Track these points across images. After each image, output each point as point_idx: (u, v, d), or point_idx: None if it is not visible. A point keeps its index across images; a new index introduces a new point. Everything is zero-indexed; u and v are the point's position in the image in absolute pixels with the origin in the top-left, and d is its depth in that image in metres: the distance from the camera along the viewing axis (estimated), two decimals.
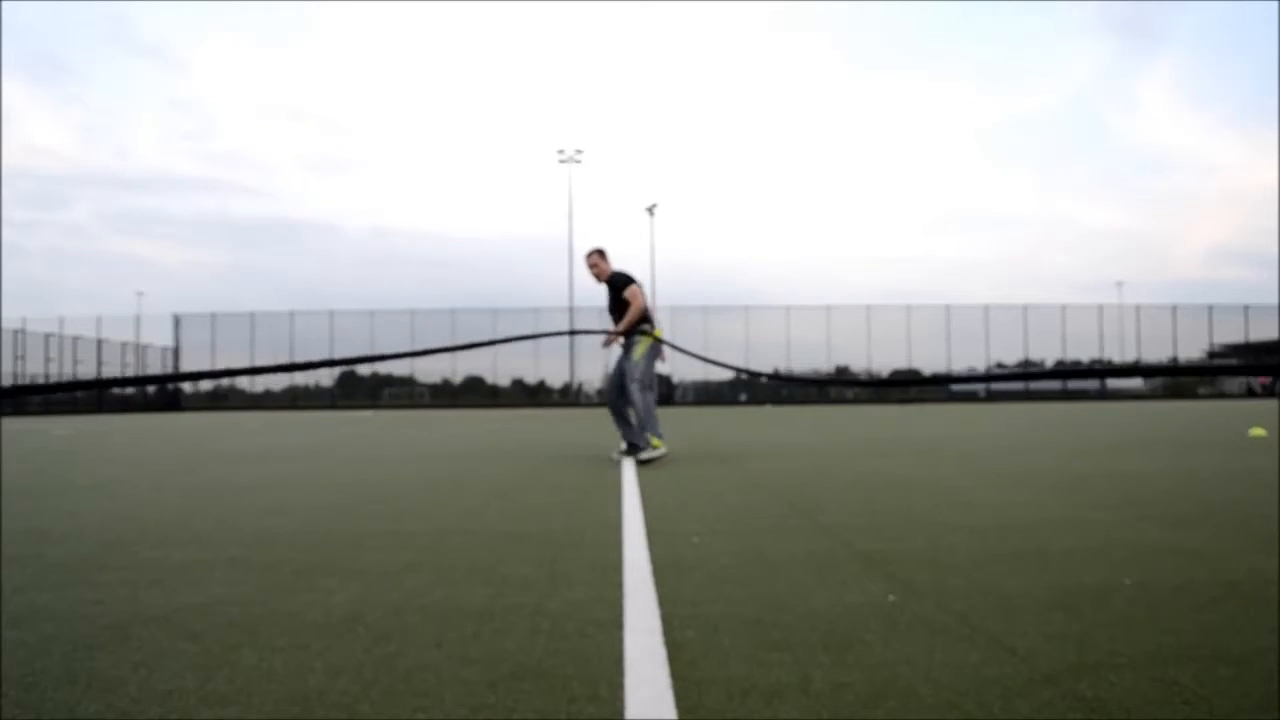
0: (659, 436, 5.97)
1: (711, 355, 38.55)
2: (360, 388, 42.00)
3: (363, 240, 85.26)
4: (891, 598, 2.07)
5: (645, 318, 6.20)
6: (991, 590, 2.14)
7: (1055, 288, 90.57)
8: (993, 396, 38.74)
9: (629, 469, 5.48)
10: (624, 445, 6.26)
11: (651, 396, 6.14)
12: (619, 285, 6.18)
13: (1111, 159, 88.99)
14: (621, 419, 6.24)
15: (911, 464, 5.84)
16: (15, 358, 33.40)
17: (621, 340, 6.28)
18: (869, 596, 2.09)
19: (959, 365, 41.30)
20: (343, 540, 3.01)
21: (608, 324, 6.52)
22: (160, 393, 39.79)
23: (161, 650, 1.71)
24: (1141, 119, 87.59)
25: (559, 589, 2.22)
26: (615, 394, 6.28)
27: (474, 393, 40.74)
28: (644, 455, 5.90)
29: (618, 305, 6.23)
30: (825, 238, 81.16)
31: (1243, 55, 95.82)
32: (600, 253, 6.35)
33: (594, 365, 38.84)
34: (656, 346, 6.19)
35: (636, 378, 6.05)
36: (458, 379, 41.75)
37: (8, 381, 32.64)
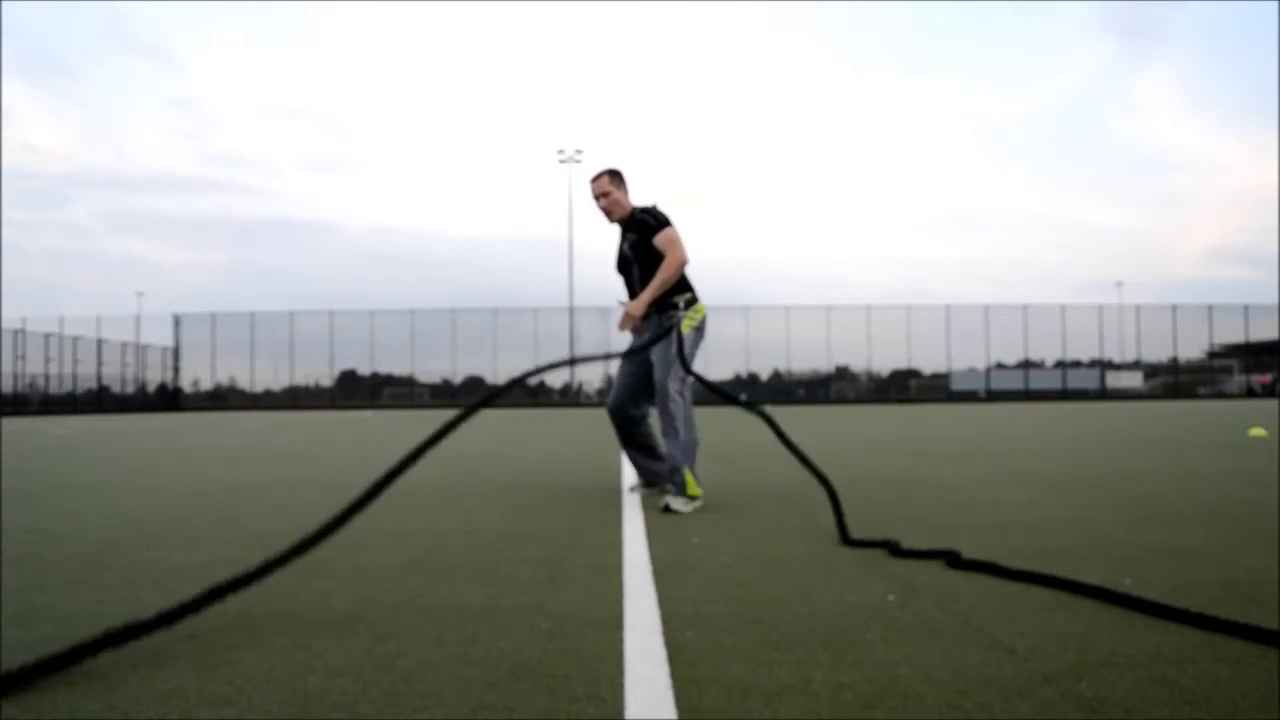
0: (695, 474, 3.71)
1: (711, 356, 38.70)
2: (360, 388, 41.97)
3: (363, 240, 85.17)
4: (891, 598, 2.08)
5: (686, 284, 3.92)
6: (991, 590, 2.14)
7: (1055, 288, 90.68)
8: (992, 397, 38.76)
9: (628, 468, 5.39)
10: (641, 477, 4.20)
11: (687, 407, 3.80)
12: (650, 227, 3.83)
13: (1111, 159, 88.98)
14: (638, 444, 4.08)
15: (911, 464, 5.84)
16: (15, 358, 33.40)
17: (647, 321, 3.90)
18: (869, 596, 2.09)
19: (959, 365, 41.33)
20: (343, 540, 3.00)
21: (617, 307, 4.05)
22: (160, 393, 39.82)
23: (161, 650, 1.71)
24: (1141, 119, 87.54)
25: (559, 589, 2.22)
26: (630, 404, 4.01)
27: (474, 393, 40.72)
28: (675, 503, 3.61)
29: (644, 256, 3.86)
30: (825, 238, 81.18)
31: (1243, 55, 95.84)
32: (615, 175, 3.97)
33: (593, 365, 38.87)
34: (701, 329, 3.94)
35: (678, 383, 3.75)
36: (458, 379, 41.75)
37: (8, 382, 32.67)
